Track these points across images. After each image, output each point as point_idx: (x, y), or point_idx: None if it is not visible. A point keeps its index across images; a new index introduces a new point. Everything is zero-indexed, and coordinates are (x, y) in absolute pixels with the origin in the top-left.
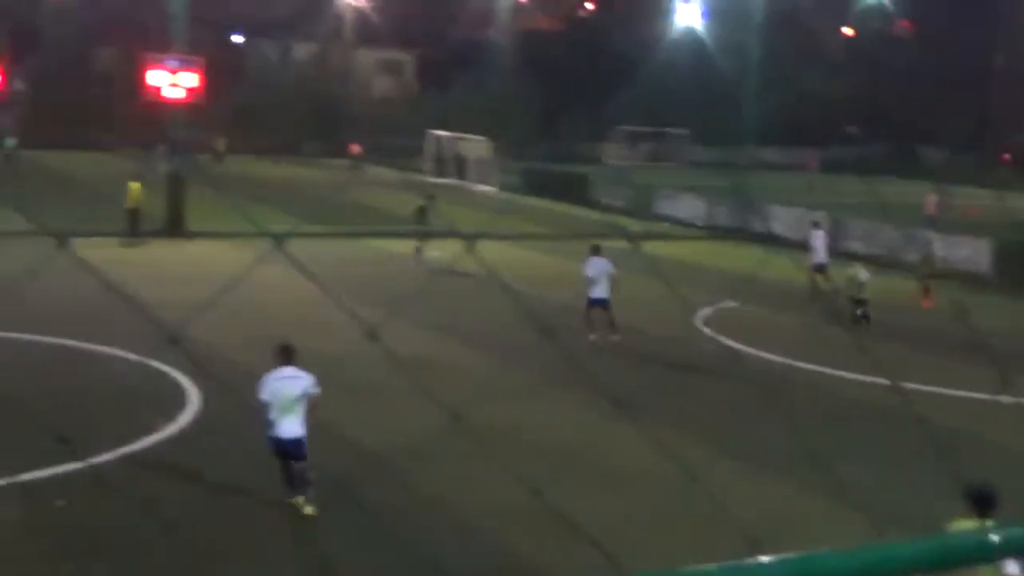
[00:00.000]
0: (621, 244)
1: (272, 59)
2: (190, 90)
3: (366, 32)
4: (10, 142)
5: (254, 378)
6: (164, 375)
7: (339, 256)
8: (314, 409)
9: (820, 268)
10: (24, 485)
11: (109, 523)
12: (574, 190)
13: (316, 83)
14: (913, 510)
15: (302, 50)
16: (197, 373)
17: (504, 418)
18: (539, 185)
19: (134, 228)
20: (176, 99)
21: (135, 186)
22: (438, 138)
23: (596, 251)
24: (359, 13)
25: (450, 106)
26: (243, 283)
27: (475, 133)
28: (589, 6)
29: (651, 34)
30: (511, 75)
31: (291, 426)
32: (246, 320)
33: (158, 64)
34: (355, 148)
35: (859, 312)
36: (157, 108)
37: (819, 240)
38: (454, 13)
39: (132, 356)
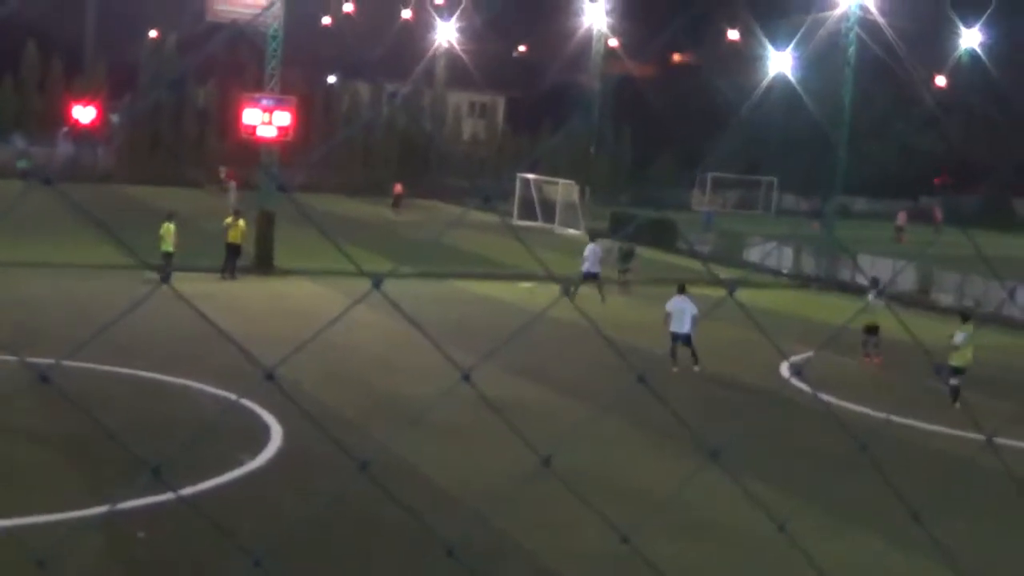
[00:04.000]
0: (708, 290)
1: (364, 99)
2: (282, 129)
3: (458, 74)
4: (23, 162)
5: (337, 415)
6: (247, 410)
7: (426, 296)
8: None
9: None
10: (108, 515)
11: (188, 556)
12: (661, 235)
13: (407, 124)
14: (1004, 567)
15: (394, 91)
16: (280, 409)
17: (588, 463)
18: (626, 230)
19: (229, 263)
20: (269, 137)
21: (234, 222)
22: (526, 181)
23: (681, 290)
24: (452, 55)
25: (539, 149)
26: (327, 320)
27: (563, 177)
28: (680, 53)
29: (742, 81)
30: (601, 119)
31: None
32: (329, 358)
33: (253, 103)
34: (398, 188)
35: (953, 383)
36: (251, 145)
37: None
38: (546, 57)
39: (217, 390)
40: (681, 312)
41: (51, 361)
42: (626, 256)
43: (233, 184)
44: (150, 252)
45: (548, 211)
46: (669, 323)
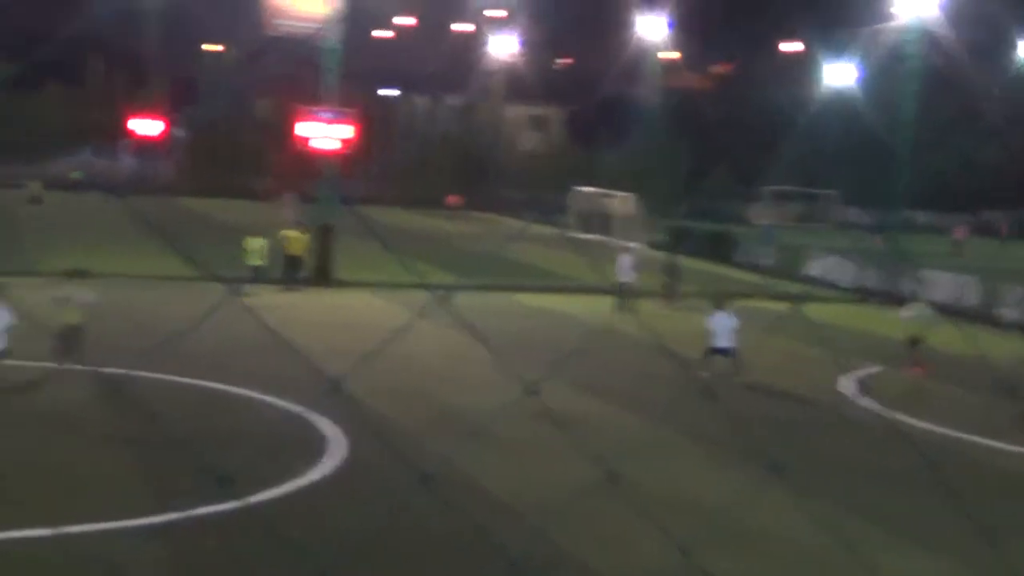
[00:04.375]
0: (768, 304)
1: (422, 112)
2: (343, 141)
3: (515, 87)
4: (77, 174)
5: (398, 428)
6: (308, 421)
7: (484, 308)
8: None
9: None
10: (172, 523)
11: (250, 566)
12: (720, 249)
13: (464, 137)
14: None
15: (452, 104)
16: (340, 420)
17: (643, 476)
18: (683, 243)
19: (291, 275)
20: (329, 150)
21: (294, 234)
22: (583, 194)
23: (719, 305)
24: (509, 69)
25: (596, 162)
26: (388, 333)
27: (621, 189)
28: (738, 65)
29: (802, 93)
30: (658, 132)
31: None
32: (388, 369)
33: (312, 116)
34: (453, 199)
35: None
36: (310, 158)
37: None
38: (603, 70)
39: (279, 401)
40: (723, 328)
41: (123, 371)
42: (670, 272)
43: (289, 197)
44: (219, 264)
45: (605, 224)
46: (713, 339)
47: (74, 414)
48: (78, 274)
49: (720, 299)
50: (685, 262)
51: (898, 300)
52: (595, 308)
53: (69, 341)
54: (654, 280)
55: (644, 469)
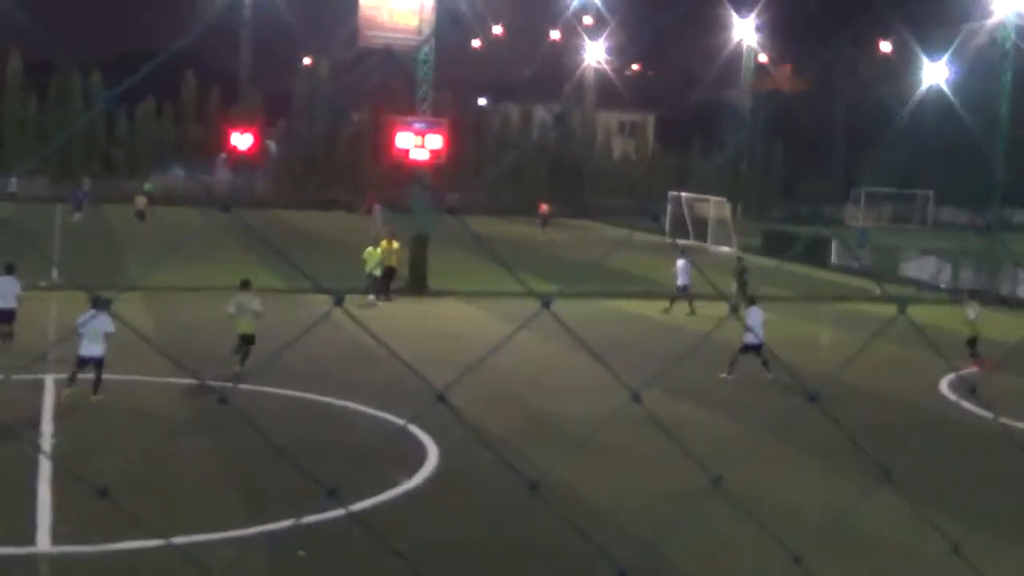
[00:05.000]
0: (866, 307)
1: (513, 121)
2: (435, 152)
3: (607, 94)
4: (148, 186)
5: (495, 436)
6: (403, 430)
7: (579, 315)
8: None
9: None
10: (276, 533)
11: (353, 574)
12: (815, 252)
13: (556, 144)
14: None
15: (544, 112)
16: (435, 429)
17: (748, 483)
18: (779, 247)
19: (385, 285)
20: (422, 161)
21: (390, 245)
22: (677, 199)
23: (752, 301)
24: (601, 75)
25: (689, 167)
26: (483, 342)
27: (714, 194)
28: (831, 67)
29: (895, 93)
30: (752, 135)
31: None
32: (483, 378)
33: (405, 126)
34: (544, 207)
35: None
36: (403, 169)
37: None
38: (695, 75)
39: (375, 411)
40: (756, 324)
41: (228, 384)
42: (739, 277)
43: (378, 207)
44: (318, 276)
45: (700, 229)
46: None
47: (168, 427)
48: (244, 285)
49: (751, 295)
50: (780, 266)
51: (998, 300)
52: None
53: (243, 348)
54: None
55: (744, 475)
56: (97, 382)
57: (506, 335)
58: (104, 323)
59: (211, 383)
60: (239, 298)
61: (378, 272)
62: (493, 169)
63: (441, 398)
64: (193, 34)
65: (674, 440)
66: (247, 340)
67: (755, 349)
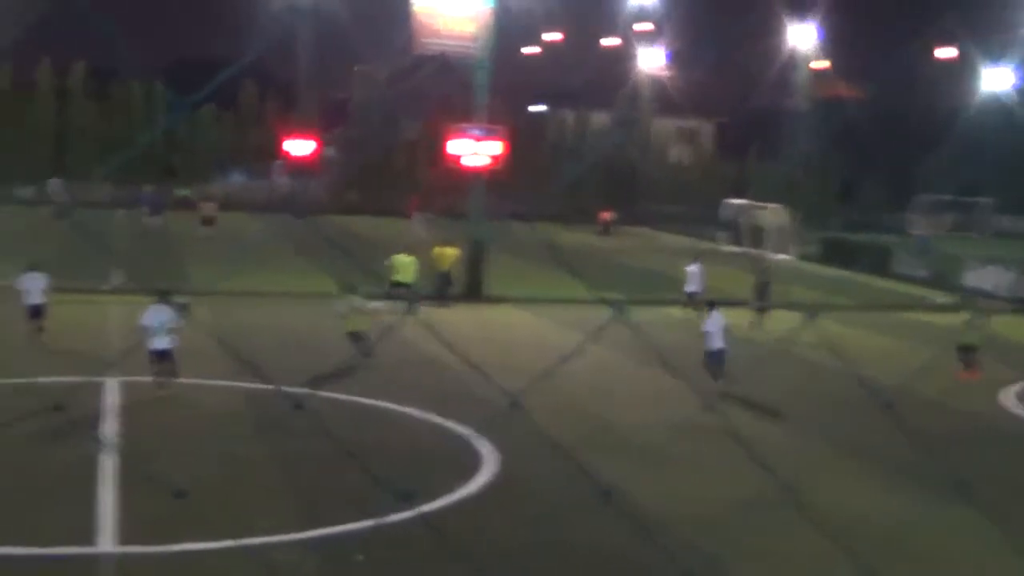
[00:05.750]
0: (927, 317)
1: (570, 127)
2: (492, 158)
3: (664, 101)
4: (184, 191)
5: (555, 442)
6: (461, 436)
7: (640, 323)
8: None
9: None
10: (329, 538)
11: None
12: (875, 260)
13: (613, 151)
14: None
15: (601, 119)
16: (500, 435)
17: (812, 493)
18: (838, 255)
19: (442, 291)
20: (478, 167)
21: (445, 251)
22: (735, 206)
23: (712, 306)
24: (657, 82)
25: (747, 174)
26: (540, 348)
27: (772, 201)
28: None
29: (956, 100)
30: (810, 142)
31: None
32: (542, 385)
33: (462, 133)
34: (605, 215)
35: None
36: (460, 175)
37: None
38: (753, 81)
39: (437, 418)
40: (717, 329)
41: (305, 391)
42: (761, 290)
43: (418, 214)
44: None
45: (757, 236)
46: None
47: (226, 431)
48: (350, 288)
49: (711, 300)
50: (840, 274)
51: None
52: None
53: (361, 343)
54: (807, 294)
55: (807, 484)
56: (167, 375)
57: (568, 341)
58: (169, 317)
59: (287, 389)
60: (350, 300)
61: (407, 280)
62: (566, 176)
63: (515, 404)
64: (258, 47)
65: (728, 449)
66: (361, 336)
67: (717, 354)
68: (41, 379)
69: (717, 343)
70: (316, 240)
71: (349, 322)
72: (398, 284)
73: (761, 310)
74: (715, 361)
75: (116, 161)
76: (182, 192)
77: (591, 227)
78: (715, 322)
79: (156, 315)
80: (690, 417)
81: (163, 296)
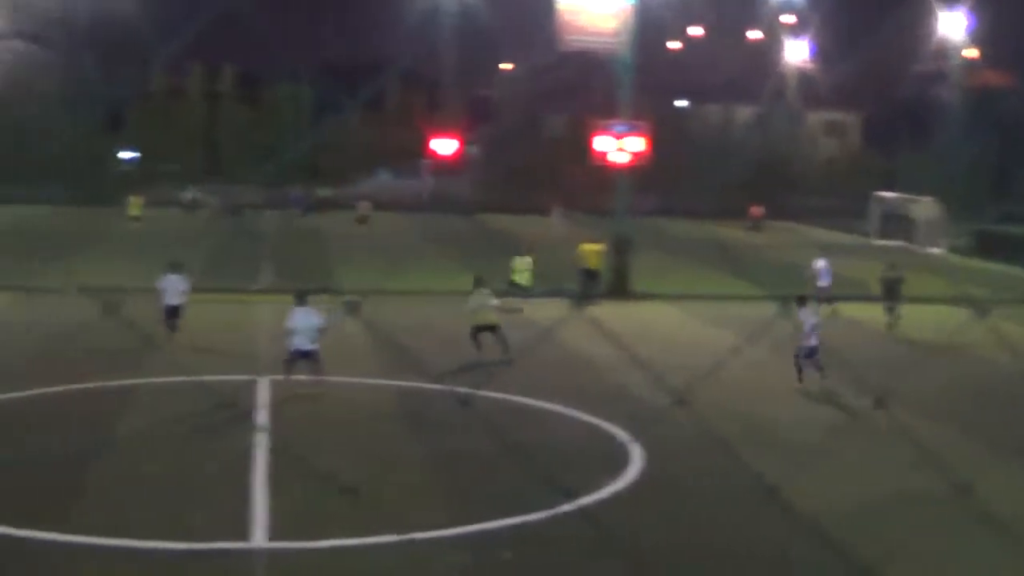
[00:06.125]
0: None
1: (715, 123)
2: (635, 154)
3: (810, 93)
4: (327, 190)
5: (706, 440)
6: (608, 433)
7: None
8: None
9: None
10: (477, 534)
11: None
12: None
13: (759, 145)
14: None
15: (745, 113)
16: (640, 432)
17: (974, 492)
18: (992, 247)
19: (589, 288)
20: (621, 163)
21: (590, 247)
22: (884, 200)
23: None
24: (802, 75)
25: (896, 167)
26: (689, 345)
27: (923, 194)
28: None
29: None
30: (961, 133)
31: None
32: (696, 383)
33: (605, 129)
34: (756, 211)
35: None
36: (604, 172)
37: None
38: (900, 72)
39: (583, 414)
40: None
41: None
42: (891, 287)
43: (557, 209)
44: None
45: (907, 230)
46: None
47: (373, 429)
48: (479, 282)
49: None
50: (995, 267)
51: None
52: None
53: (498, 336)
54: (955, 288)
55: (971, 483)
56: (313, 375)
57: (716, 337)
58: (314, 318)
59: (456, 389)
60: (481, 296)
61: (516, 279)
62: (721, 174)
63: (680, 402)
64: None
65: (879, 446)
66: (491, 328)
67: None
68: (198, 377)
69: (812, 340)
70: (461, 238)
71: (477, 316)
72: (515, 285)
73: (891, 309)
74: (807, 355)
75: (275, 166)
76: (324, 192)
77: (738, 222)
78: (808, 317)
79: (303, 317)
80: (847, 414)
81: (302, 298)
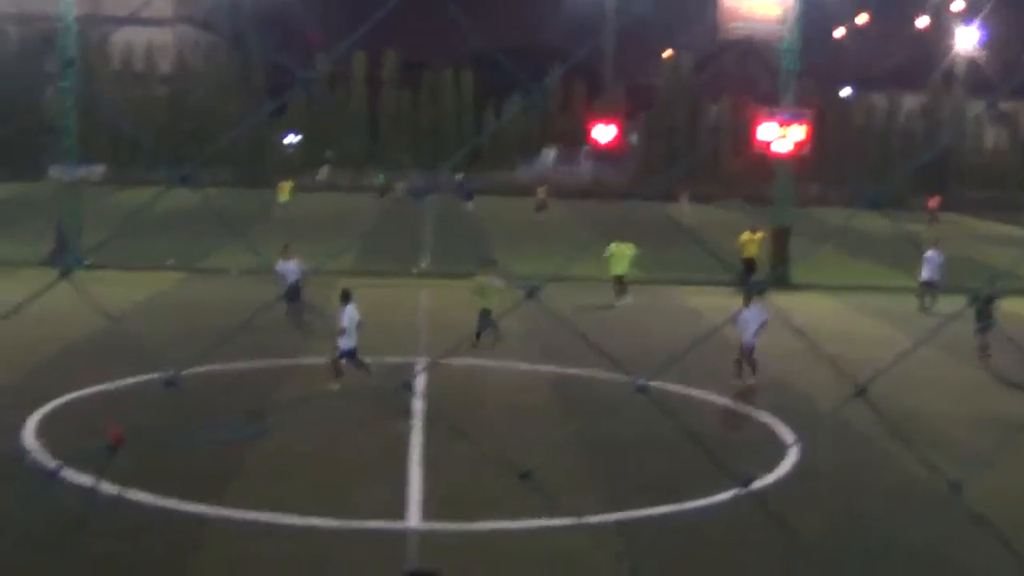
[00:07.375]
0: None
1: (880, 111)
2: (797, 143)
3: (978, 82)
4: (381, 177)
5: (857, 434)
6: (764, 425)
7: (946, 313)
8: None
9: None
10: (624, 522)
11: (710, 564)
12: None
13: (924, 135)
14: None
15: (911, 101)
16: (797, 424)
17: None
18: None
19: (745, 279)
20: (783, 152)
21: (749, 237)
22: None
23: (747, 301)
24: (972, 63)
25: None
26: (849, 337)
27: None
28: None
29: None
30: None
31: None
32: (848, 375)
33: (768, 117)
34: (933, 203)
35: None
36: (765, 160)
37: None
38: None
39: (737, 404)
40: (755, 323)
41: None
42: (981, 309)
43: (685, 197)
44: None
45: None
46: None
47: (561, 413)
48: (488, 262)
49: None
50: None
51: None
52: None
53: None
54: None
55: None
56: (341, 372)
57: (875, 330)
58: (354, 315)
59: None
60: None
61: (615, 271)
62: (854, 159)
63: (861, 393)
64: (583, 45)
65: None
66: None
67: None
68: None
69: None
70: (621, 224)
71: (483, 299)
72: (617, 277)
73: (983, 329)
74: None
75: (460, 155)
76: (379, 179)
77: (908, 213)
78: (754, 315)
79: (348, 314)
80: (1005, 410)
81: (347, 297)
